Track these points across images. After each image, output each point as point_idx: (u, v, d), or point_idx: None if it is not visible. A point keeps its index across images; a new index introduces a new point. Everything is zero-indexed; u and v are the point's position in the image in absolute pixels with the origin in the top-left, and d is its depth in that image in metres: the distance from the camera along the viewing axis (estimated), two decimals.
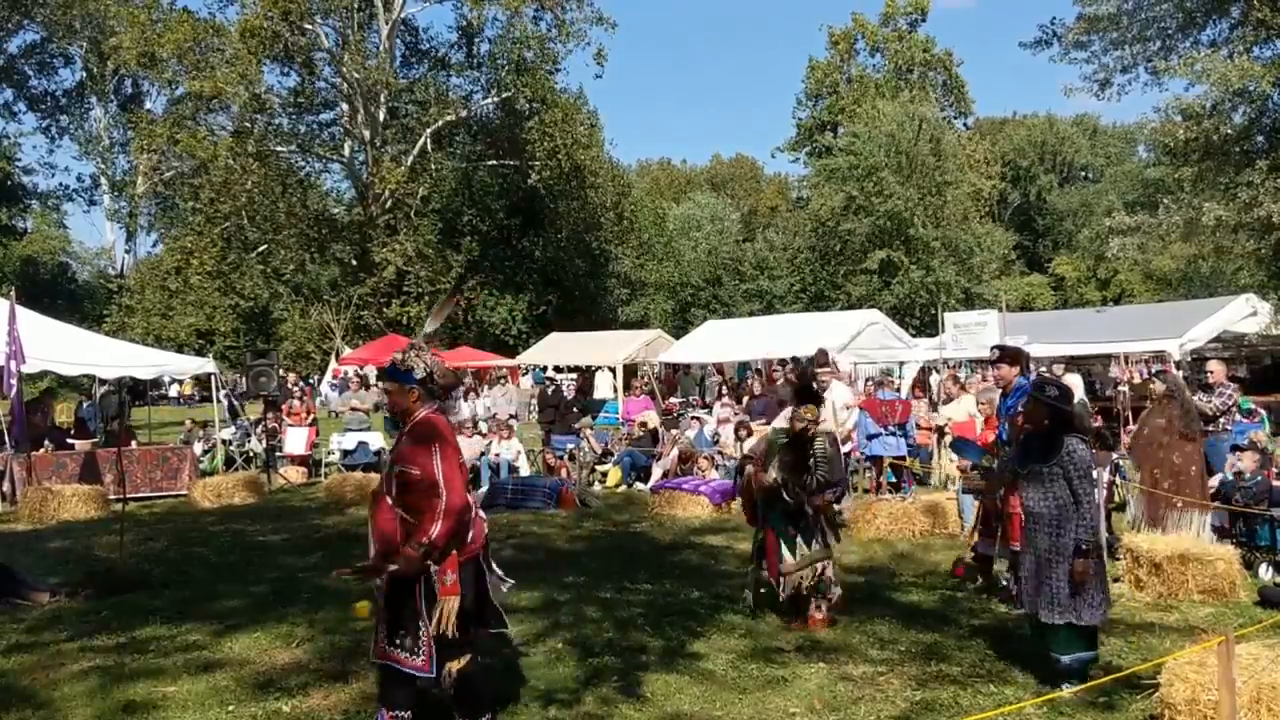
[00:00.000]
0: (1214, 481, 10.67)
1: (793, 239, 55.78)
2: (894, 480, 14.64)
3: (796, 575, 7.66)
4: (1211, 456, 11.24)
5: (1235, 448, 10.75)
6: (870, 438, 14.40)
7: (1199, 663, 5.45)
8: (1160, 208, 26.53)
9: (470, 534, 5.36)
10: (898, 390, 17.43)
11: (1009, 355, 8.49)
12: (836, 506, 8.49)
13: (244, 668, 6.97)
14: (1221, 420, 11.27)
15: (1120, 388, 18.54)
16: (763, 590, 8.07)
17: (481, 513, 5.54)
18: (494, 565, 5.67)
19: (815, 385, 8.46)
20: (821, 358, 12.94)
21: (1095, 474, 9.94)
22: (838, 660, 6.89)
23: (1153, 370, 18.27)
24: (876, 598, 8.63)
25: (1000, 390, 8.60)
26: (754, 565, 8.13)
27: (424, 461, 5.15)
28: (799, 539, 7.72)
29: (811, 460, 7.69)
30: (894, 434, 14.48)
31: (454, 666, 5.26)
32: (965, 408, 13.91)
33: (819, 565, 7.71)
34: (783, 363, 20.10)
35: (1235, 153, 20.94)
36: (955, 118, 59.82)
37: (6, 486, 15.41)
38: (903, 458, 14.82)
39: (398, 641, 5.26)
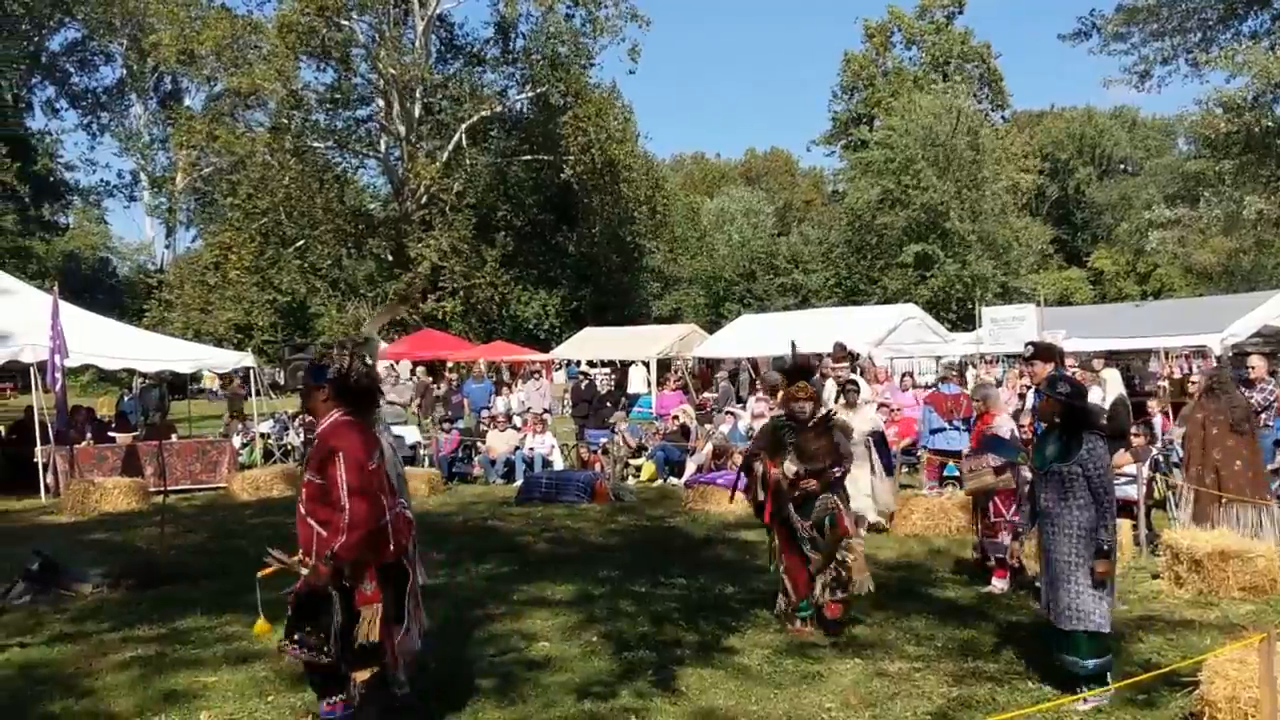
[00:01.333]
0: None
1: (828, 233, 55.53)
2: (956, 475, 14.38)
3: (828, 572, 7.36)
4: None
5: (1277, 443, 10.63)
6: (934, 432, 14.18)
7: (1239, 660, 5.39)
8: (1200, 201, 26.27)
9: (390, 538, 5.13)
10: (963, 384, 17.19)
11: (1042, 352, 8.37)
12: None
13: (282, 659, 7.00)
14: (1263, 416, 11.13)
15: (1160, 383, 18.34)
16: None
17: (408, 511, 5.31)
18: (419, 567, 5.45)
19: (815, 369, 8.16)
20: (839, 351, 12.91)
21: (1134, 470, 9.92)
22: (874, 656, 6.88)
23: (1197, 366, 18.09)
24: (913, 593, 8.60)
25: (1033, 387, 8.53)
26: (774, 566, 7.83)
27: (329, 471, 4.95)
28: (816, 534, 7.39)
29: (839, 444, 7.49)
30: (958, 428, 14.15)
31: (360, 676, 5.11)
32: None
33: (841, 555, 7.37)
34: (818, 357, 20.03)
35: (1277, 145, 20.66)
36: (992, 110, 59.29)
37: (50, 479, 15.62)
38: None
39: (297, 638, 5.13)
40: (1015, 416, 10.27)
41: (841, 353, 12.87)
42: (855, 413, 11.13)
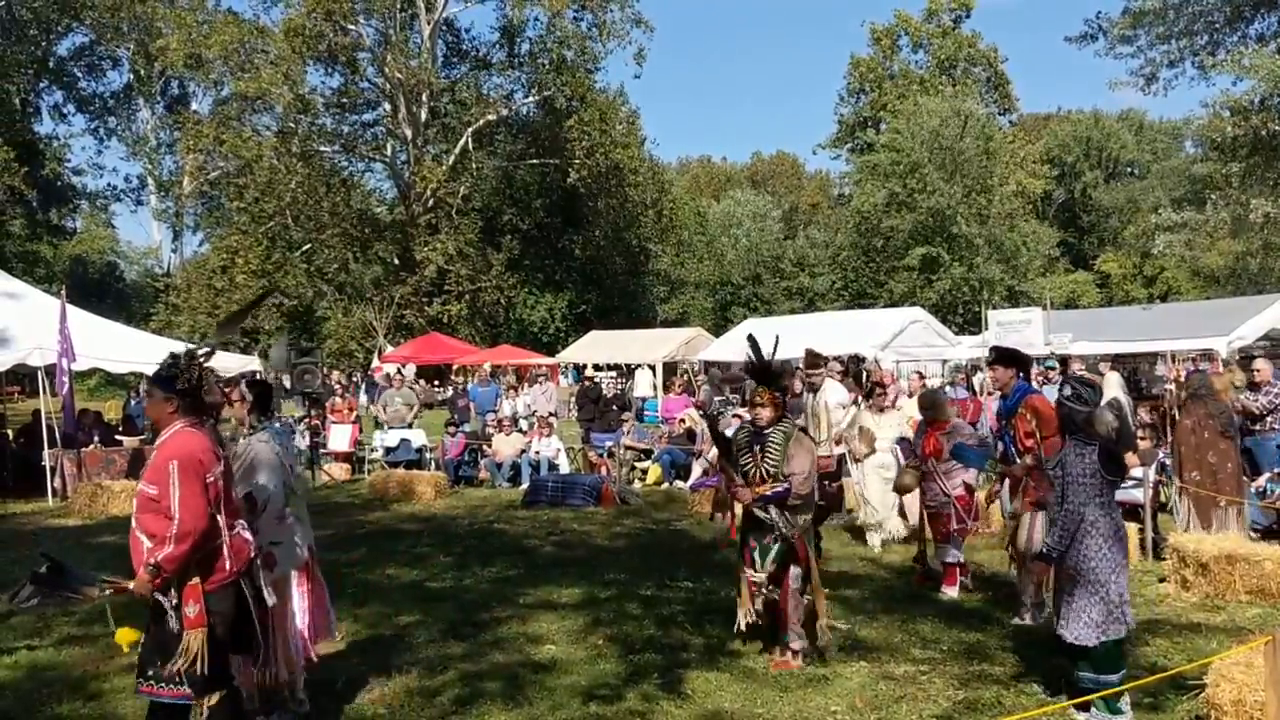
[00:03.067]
0: (1262, 480, 10.54)
1: (834, 236, 55.55)
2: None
3: (763, 592, 6.84)
4: (1259, 455, 11.12)
5: None
6: None
7: (1245, 663, 5.39)
8: (1208, 204, 26.22)
9: (224, 560, 4.90)
10: (969, 388, 17.16)
11: (1004, 357, 8.13)
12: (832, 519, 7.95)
13: None
14: (1269, 419, 11.12)
15: (1167, 386, 18.30)
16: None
17: (246, 534, 5.08)
18: (264, 589, 5.17)
19: (783, 375, 7.41)
20: (810, 358, 12.80)
21: (1142, 474, 9.91)
22: (880, 659, 6.87)
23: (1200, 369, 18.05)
24: (919, 597, 8.59)
25: (1000, 393, 8.34)
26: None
27: (162, 481, 4.74)
28: (773, 550, 6.83)
29: (759, 447, 6.84)
30: None
31: (205, 702, 4.90)
32: None
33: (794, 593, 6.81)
34: (824, 361, 20.02)
35: None
36: (999, 114, 59.26)
37: (57, 482, 15.65)
38: None
39: (150, 673, 4.87)
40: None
41: (813, 359, 12.71)
42: (882, 417, 10.88)
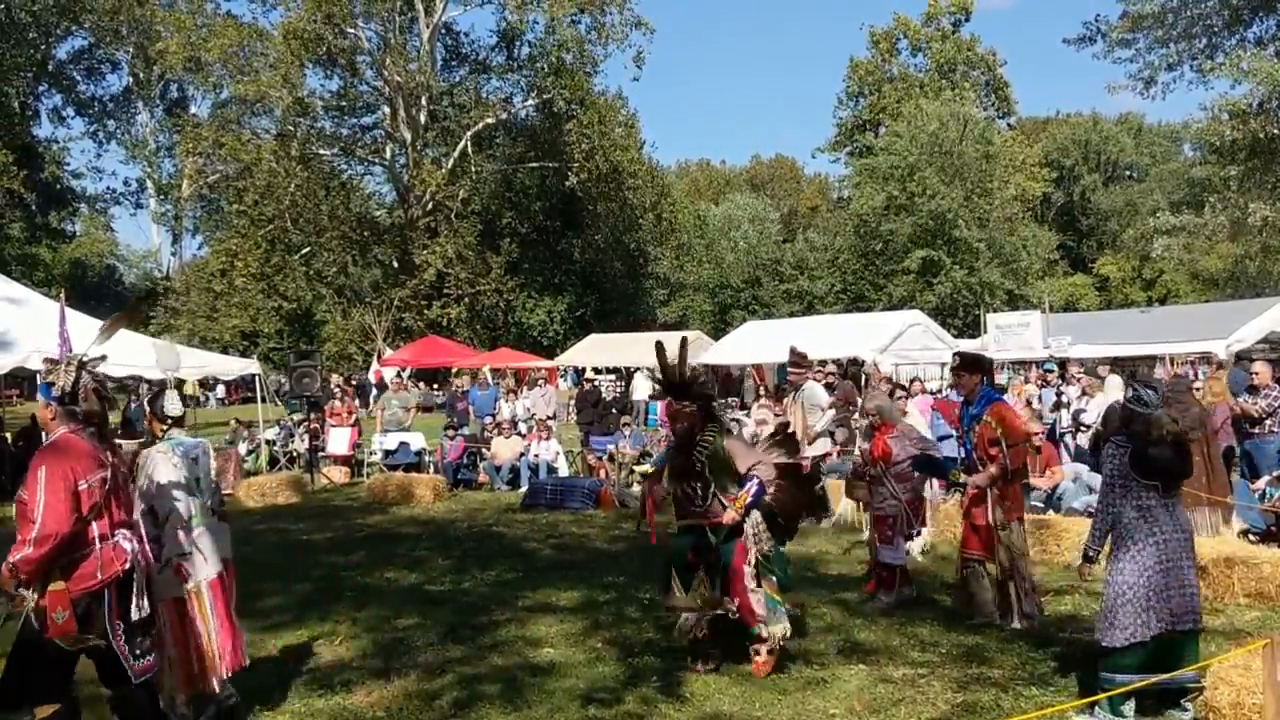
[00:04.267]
0: (1261, 483, 10.56)
1: (833, 239, 55.56)
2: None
3: (686, 616, 6.64)
4: (1258, 457, 11.14)
5: None
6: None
7: (1244, 666, 5.40)
8: (1206, 207, 26.21)
9: (94, 568, 4.83)
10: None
11: (969, 362, 8.10)
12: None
13: (287, 665, 7.05)
14: (1268, 422, 11.13)
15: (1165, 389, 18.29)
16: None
17: (126, 544, 4.98)
18: (135, 603, 5.02)
19: (693, 379, 6.79)
20: (795, 356, 12.77)
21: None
22: (878, 662, 6.87)
23: (1203, 373, 18.06)
24: (917, 600, 8.59)
25: (964, 399, 8.27)
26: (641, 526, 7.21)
27: (30, 484, 4.71)
28: (701, 573, 6.64)
29: (698, 464, 6.56)
30: None
31: (40, 712, 4.86)
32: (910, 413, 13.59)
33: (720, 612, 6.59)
34: (822, 363, 20.04)
35: None
36: (998, 117, 59.31)
37: None
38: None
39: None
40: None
41: (797, 358, 12.68)
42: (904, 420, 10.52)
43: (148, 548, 5.31)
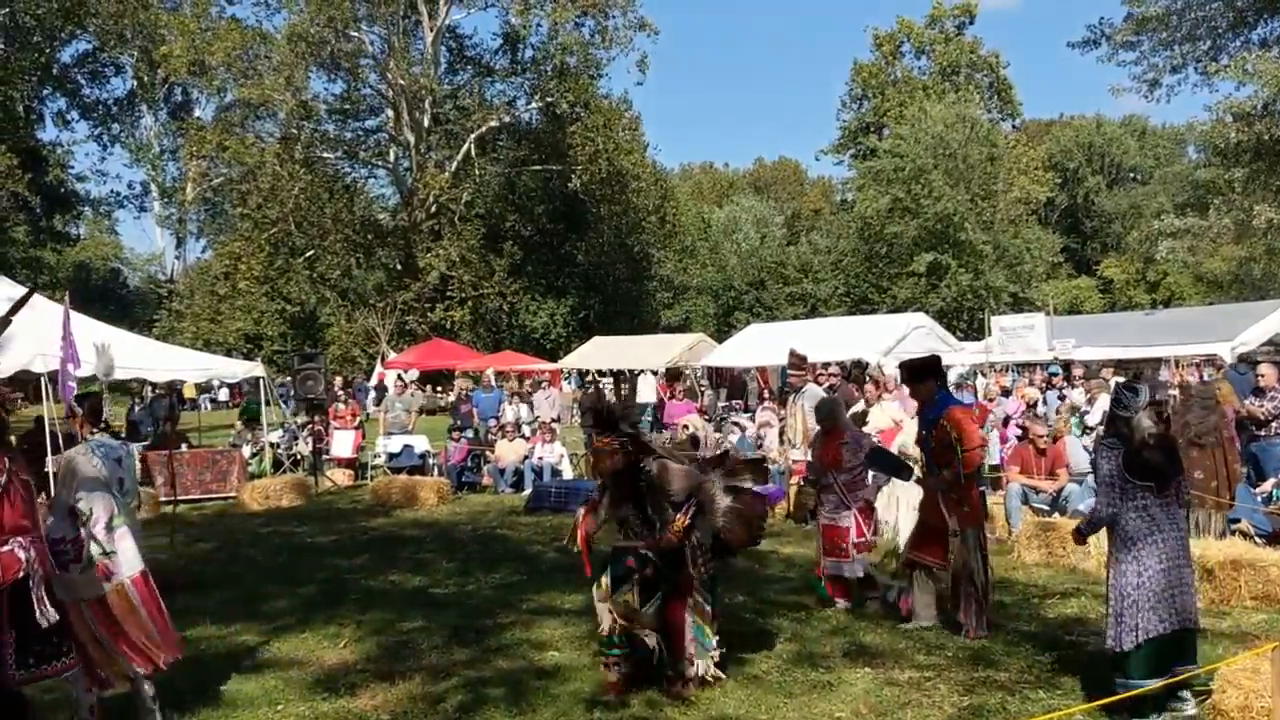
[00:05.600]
0: (1267, 486, 10.53)
1: (837, 242, 55.53)
2: None
3: (608, 609, 6.42)
4: (1265, 460, 11.11)
5: None
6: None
7: (1252, 669, 5.38)
8: (1211, 209, 26.16)
9: None
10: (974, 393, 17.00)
11: (917, 371, 8.01)
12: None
13: (292, 668, 7.05)
14: (1274, 424, 11.10)
15: (1171, 392, 18.26)
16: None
17: (22, 552, 4.91)
18: (41, 609, 4.97)
19: (622, 412, 6.63)
20: (794, 359, 12.72)
21: None
22: (884, 665, 6.85)
23: (1208, 375, 18.02)
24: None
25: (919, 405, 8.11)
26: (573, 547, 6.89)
27: None
28: (633, 584, 6.36)
29: (643, 488, 6.36)
30: None
31: None
32: (889, 413, 13.48)
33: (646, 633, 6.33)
34: (825, 366, 20.02)
35: None
36: (1002, 120, 59.28)
37: None
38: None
39: None
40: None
41: (796, 360, 12.63)
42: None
43: (48, 554, 5.24)
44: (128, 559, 5.85)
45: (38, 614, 4.92)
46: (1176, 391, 17.56)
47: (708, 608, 6.50)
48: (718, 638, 6.54)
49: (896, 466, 8.62)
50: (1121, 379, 16.34)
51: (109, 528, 5.78)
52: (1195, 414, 9.95)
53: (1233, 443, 10.42)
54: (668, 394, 23.40)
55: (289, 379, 22.55)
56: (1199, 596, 8.22)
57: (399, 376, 30.01)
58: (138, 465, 6.20)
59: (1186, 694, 5.72)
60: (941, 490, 7.54)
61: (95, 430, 6.07)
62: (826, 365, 20.05)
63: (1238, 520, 9.85)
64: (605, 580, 6.48)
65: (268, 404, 19.54)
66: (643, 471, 6.33)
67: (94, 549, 5.70)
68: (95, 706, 5.65)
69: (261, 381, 19.03)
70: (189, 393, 38.52)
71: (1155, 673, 5.61)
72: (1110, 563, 5.89)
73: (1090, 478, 11.44)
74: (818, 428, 11.00)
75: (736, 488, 6.66)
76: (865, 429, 11.28)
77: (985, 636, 7.37)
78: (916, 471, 8.87)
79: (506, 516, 14.25)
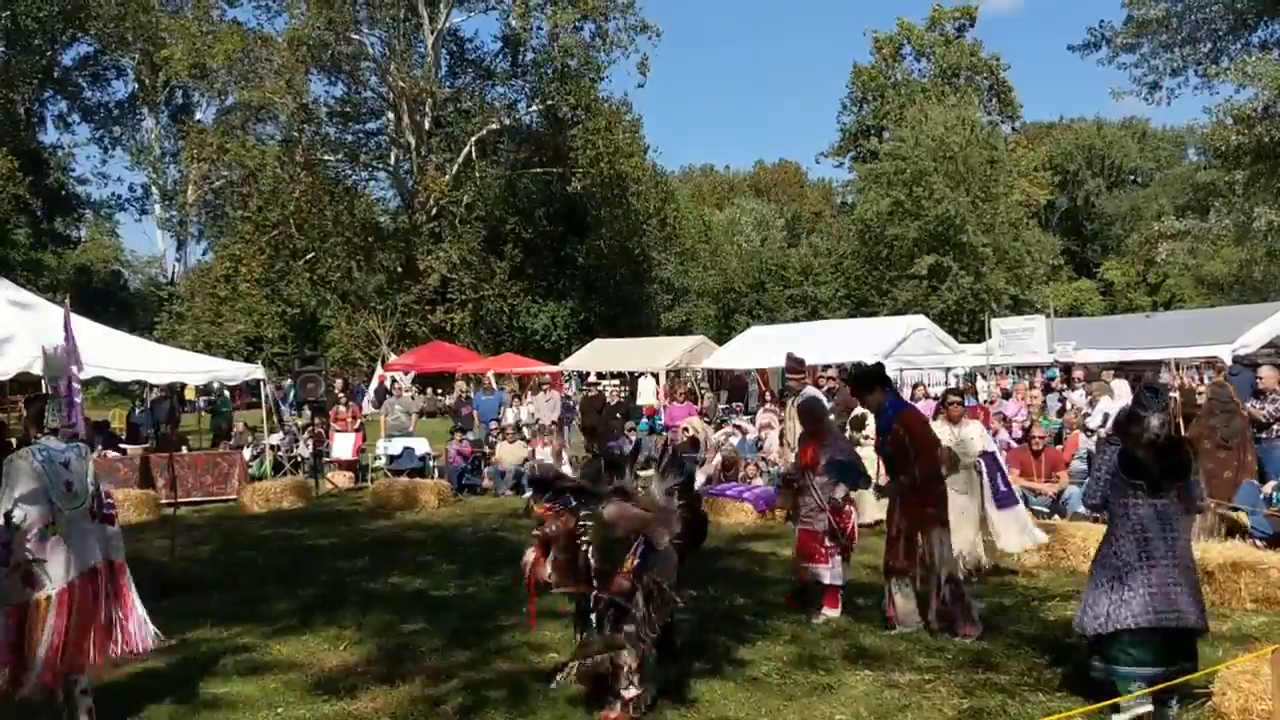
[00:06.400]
0: (1268, 488, 10.53)
1: (837, 244, 55.52)
2: None
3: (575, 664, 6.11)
4: (1266, 462, 11.11)
5: None
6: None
7: (1252, 672, 5.39)
8: (1211, 212, 26.19)
9: None
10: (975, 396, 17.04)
11: (863, 381, 8.02)
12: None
13: (293, 670, 7.05)
14: (1275, 427, 11.10)
15: (1171, 394, 18.26)
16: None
17: None
18: None
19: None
20: (792, 363, 12.72)
21: None
22: (885, 667, 6.86)
23: (1208, 378, 18.02)
24: (923, 605, 8.57)
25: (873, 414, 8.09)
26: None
27: None
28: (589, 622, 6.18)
29: (583, 544, 6.01)
30: None
31: None
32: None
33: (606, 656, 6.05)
34: (825, 368, 20.03)
35: None
36: (1002, 122, 59.26)
37: None
38: None
39: None
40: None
41: (795, 364, 12.62)
42: (959, 428, 9.59)
43: None
44: (56, 572, 5.72)
45: None
46: (1177, 395, 17.60)
47: (650, 633, 6.09)
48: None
49: (855, 475, 8.56)
50: (1126, 382, 16.39)
51: (41, 536, 5.69)
52: (1220, 418, 10.32)
53: (1253, 443, 10.67)
54: (668, 398, 23.42)
55: (289, 381, 22.59)
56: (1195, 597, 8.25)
57: (393, 380, 30.10)
58: (91, 467, 6.11)
59: (1174, 701, 5.73)
60: (903, 495, 7.52)
61: (40, 434, 5.99)
62: (826, 368, 20.06)
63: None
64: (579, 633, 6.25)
65: (268, 407, 19.54)
66: (587, 531, 5.98)
67: (20, 555, 5.60)
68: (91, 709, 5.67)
69: (262, 384, 19.02)
70: (190, 395, 38.53)
71: (1134, 664, 5.70)
72: (1097, 552, 6.09)
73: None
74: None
75: (671, 490, 6.42)
76: (866, 432, 11.27)
77: (981, 635, 7.40)
78: (876, 480, 8.81)
79: (507, 519, 14.25)
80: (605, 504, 6.03)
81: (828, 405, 13.30)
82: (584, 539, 5.97)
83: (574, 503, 6.08)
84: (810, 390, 12.58)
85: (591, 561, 5.97)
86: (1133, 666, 5.71)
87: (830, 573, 8.14)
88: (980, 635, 7.41)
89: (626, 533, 6.02)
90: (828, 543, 8.12)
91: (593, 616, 6.08)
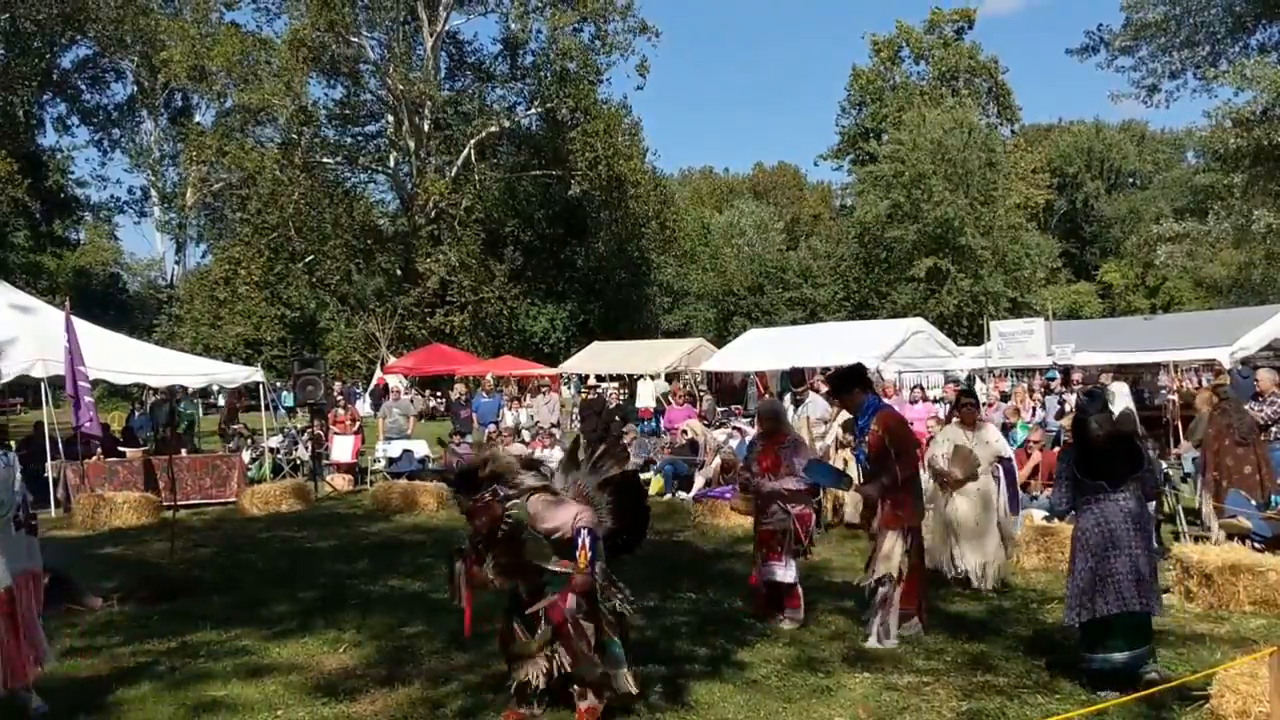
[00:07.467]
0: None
1: (836, 247, 55.56)
2: None
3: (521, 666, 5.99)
4: None
5: None
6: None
7: (1250, 674, 5.39)
8: (1210, 214, 26.20)
9: None
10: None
11: (842, 382, 8.04)
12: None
13: (292, 673, 7.05)
14: (1273, 430, 11.12)
15: (1170, 396, 18.28)
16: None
17: None
18: None
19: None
20: (797, 376, 12.78)
21: None
22: (884, 670, 6.86)
23: (1206, 380, 18.04)
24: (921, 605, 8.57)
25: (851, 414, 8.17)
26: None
27: None
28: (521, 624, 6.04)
29: (514, 539, 5.84)
30: None
31: None
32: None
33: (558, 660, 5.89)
34: (824, 370, 20.05)
35: None
36: (1000, 125, 59.33)
37: (60, 493, 15.65)
38: None
39: None
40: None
41: (798, 376, 12.70)
42: (975, 434, 9.31)
43: None
44: None
45: None
46: (1175, 397, 17.61)
47: (610, 616, 5.98)
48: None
49: (835, 477, 8.53)
50: (1125, 384, 16.40)
51: None
52: (1235, 417, 10.70)
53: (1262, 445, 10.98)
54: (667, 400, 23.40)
55: (288, 382, 22.58)
56: (1196, 601, 8.29)
57: (387, 386, 30.09)
58: (18, 475, 6.08)
59: (1152, 664, 6.28)
60: (882, 495, 7.52)
61: None
62: (825, 370, 20.07)
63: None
64: (521, 632, 6.04)
65: (269, 409, 19.54)
66: (510, 522, 5.78)
67: None
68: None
69: (261, 386, 19.03)
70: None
71: (1109, 650, 6.23)
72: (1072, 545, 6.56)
73: None
74: (825, 439, 11.02)
75: (607, 481, 6.33)
76: None
77: (979, 637, 7.55)
78: (855, 480, 8.78)
79: None
80: (526, 498, 5.87)
81: (828, 410, 13.38)
82: (509, 531, 5.77)
83: (501, 494, 5.84)
84: (815, 397, 12.63)
85: (527, 558, 5.81)
86: (1108, 653, 6.24)
87: (785, 571, 8.08)
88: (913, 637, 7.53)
89: (564, 524, 5.81)
90: (790, 544, 8.08)
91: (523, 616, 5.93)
